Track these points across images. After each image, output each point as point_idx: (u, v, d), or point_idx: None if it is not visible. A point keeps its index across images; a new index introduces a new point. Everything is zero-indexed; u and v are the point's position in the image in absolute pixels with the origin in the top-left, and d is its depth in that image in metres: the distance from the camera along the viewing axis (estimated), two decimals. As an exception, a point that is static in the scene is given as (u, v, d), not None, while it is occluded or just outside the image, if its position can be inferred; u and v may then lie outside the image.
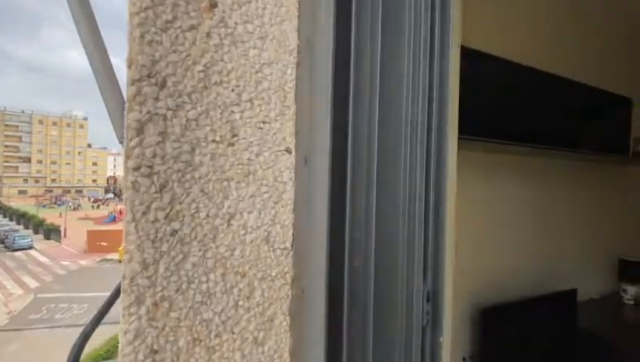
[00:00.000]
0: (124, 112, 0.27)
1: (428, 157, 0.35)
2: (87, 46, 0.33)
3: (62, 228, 24.66)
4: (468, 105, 1.27)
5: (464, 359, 1.67)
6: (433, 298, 0.36)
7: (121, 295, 0.28)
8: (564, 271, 2.05)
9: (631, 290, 2.12)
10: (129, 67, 0.27)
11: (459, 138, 1.23)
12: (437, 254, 0.36)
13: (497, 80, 1.35)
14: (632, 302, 2.11)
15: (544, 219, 1.94)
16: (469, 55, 1.26)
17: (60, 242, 23.57)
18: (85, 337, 0.52)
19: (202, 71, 0.29)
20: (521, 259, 1.84)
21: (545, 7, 1.84)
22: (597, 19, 2.13)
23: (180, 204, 0.29)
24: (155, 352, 0.28)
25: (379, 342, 0.33)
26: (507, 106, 1.39)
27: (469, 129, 1.27)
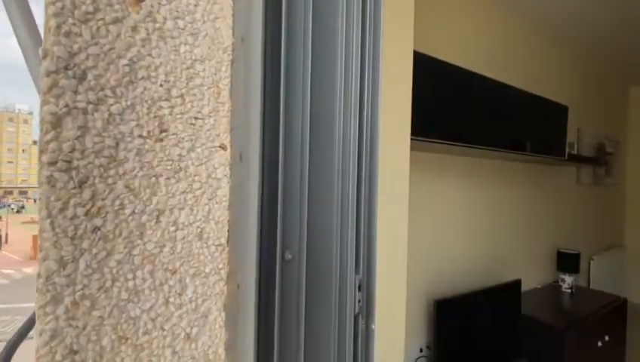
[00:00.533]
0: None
1: (360, 154, 0.37)
2: None
3: (2, 233, 22.38)
4: (420, 107, 1.33)
5: (421, 349, 1.76)
6: (366, 288, 0.38)
7: (37, 294, 0.26)
8: (510, 263, 2.22)
9: (568, 279, 2.35)
10: (44, 58, 0.26)
11: (412, 139, 1.28)
12: (369, 247, 0.38)
13: (448, 85, 1.43)
14: (569, 290, 2.34)
15: (492, 215, 2.09)
16: (421, 60, 1.33)
17: (-1, 248, 21.39)
18: (13, 347, 0.49)
19: (128, 65, 0.29)
20: (471, 254, 1.97)
21: (495, 21, 1.99)
22: (541, 35, 2.33)
23: (103, 200, 0.28)
24: (75, 352, 0.27)
25: (312, 330, 0.34)
26: (457, 110, 1.48)
27: (422, 131, 1.34)
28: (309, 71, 0.33)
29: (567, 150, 2.28)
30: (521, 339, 1.87)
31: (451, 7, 1.79)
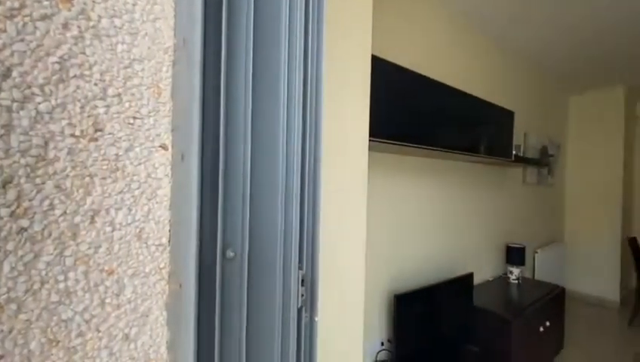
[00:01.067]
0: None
1: (304, 152, 0.39)
2: None
3: None
4: (380, 110, 1.39)
5: (382, 343, 1.82)
6: (310, 282, 0.40)
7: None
8: (465, 258, 2.37)
9: (515, 271, 2.54)
10: (-38, 53, 0.25)
11: (370, 140, 1.33)
12: (313, 243, 0.40)
13: (406, 90, 1.51)
14: (516, 282, 2.53)
15: (448, 213, 2.22)
16: (382, 65, 1.38)
17: None
18: None
19: (58, 63, 0.28)
20: (430, 250, 2.08)
21: (451, 33, 2.11)
22: (493, 48, 2.50)
23: (30, 200, 0.27)
24: (0, 357, 0.27)
25: (256, 325, 0.36)
26: (415, 114, 1.56)
27: (381, 132, 1.39)
28: (251, 72, 0.34)
29: (513, 152, 2.47)
30: (472, 328, 2.00)
31: (411, 19, 1.87)
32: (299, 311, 0.38)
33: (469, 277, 2.00)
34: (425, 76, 1.58)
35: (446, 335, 1.85)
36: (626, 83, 3.48)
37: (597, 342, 2.76)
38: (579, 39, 2.51)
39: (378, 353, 1.78)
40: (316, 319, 0.40)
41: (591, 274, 3.76)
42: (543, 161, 3.19)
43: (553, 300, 2.34)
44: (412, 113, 1.53)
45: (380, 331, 1.81)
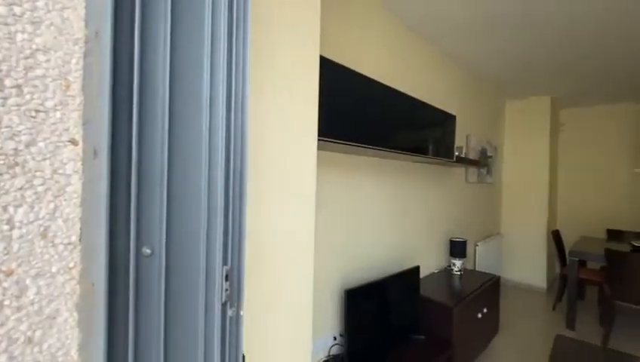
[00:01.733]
0: None
1: (229, 150, 0.40)
2: None
3: None
4: (331, 111, 1.43)
5: (335, 338, 1.87)
6: (236, 277, 0.41)
7: None
8: (413, 252, 2.51)
9: (458, 263, 2.75)
10: None
11: (325, 140, 1.36)
12: (239, 239, 0.41)
13: (358, 92, 1.56)
14: (458, 273, 2.74)
15: (396, 211, 2.33)
16: (331, 67, 1.43)
17: None
18: None
19: (-59, 49, 0.26)
20: (381, 245, 2.18)
21: (401, 39, 2.22)
22: (437, 56, 2.68)
23: None
24: None
25: (176, 322, 0.36)
26: (365, 116, 1.63)
27: (332, 133, 1.43)
28: (169, 67, 0.34)
29: (456, 153, 2.67)
30: (419, 318, 2.13)
31: (364, 26, 1.94)
32: (223, 305, 0.39)
33: (416, 270, 2.13)
34: (373, 79, 1.65)
35: (395, 326, 1.95)
36: (552, 93, 3.92)
37: (526, 325, 3.09)
38: (514, 53, 2.79)
39: (331, 347, 1.82)
40: (242, 313, 0.41)
41: (523, 263, 4.19)
42: (482, 162, 3.48)
43: (490, 288, 2.57)
44: (362, 115, 1.59)
45: (333, 326, 1.86)
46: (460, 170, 3.23)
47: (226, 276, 0.39)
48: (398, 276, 1.98)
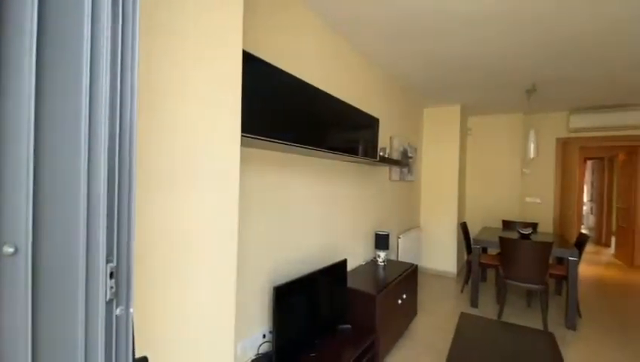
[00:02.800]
0: None
1: (112, 139, 0.38)
2: None
3: None
4: (260, 109, 1.42)
5: (264, 335, 1.87)
6: (125, 274, 0.39)
7: None
8: (341, 246, 2.64)
9: (382, 255, 2.96)
10: None
11: (248, 137, 1.34)
12: (128, 236, 0.39)
13: (287, 92, 1.59)
14: (383, 264, 2.95)
15: (326, 207, 2.43)
16: (258, 64, 1.42)
17: None
18: None
19: None
20: (312, 241, 2.24)
21: (330, 47, 2.31)
22: (365, 63, 2.85)
23: None
24: None
25: (48, 322, 0.33)
26: (294, 116, 1.66)
27: (261, 130, 1.43)
28: (34, 62, 0.31)
29: (380, 153, 2.87)
30: (346, 309, 2.25)
31: (291, 27, 1.97)
32: (108, 304, 0.37)
33: (343, 263, 2.24)
34: (301, 79, 1.69)
35: (323, 318, 2.02)
36: (461, 102, 4.47)
37: (440, 306, 3.48)
38: (431, 68, 3.11)
39: (260, 346, 1.82)
40: (131, 310, 0.39)
41: (437, 252, 4.71)
42: (404, 162, 3.81)
43: (409, 276, 2.83)
44: (288, 113, 1.62)
45: (263, 324, 1.85)
46: (384, 169, 3.49)
47: (111, 273, 0.37)
48: (327, 270, 2.06)
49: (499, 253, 3.24)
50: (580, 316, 3.29)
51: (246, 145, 1.61)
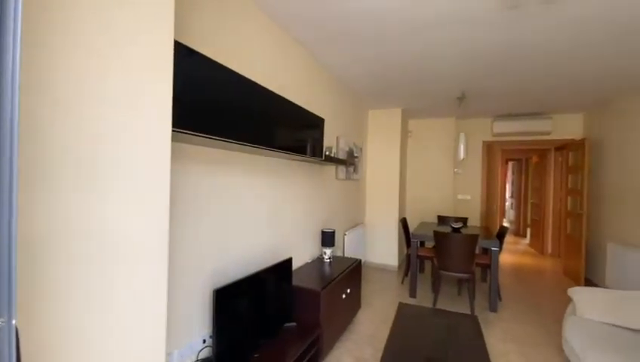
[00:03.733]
0: None
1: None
2: None
3: None
4: (204, 107, 1.36)
5: (204, 341, 1.79)
6: (7, 284, 0.35)
7: None
8: (288, 245, 2.64)
9: (328, 252, 3.03)
10: None
11: (183, 132, 1.28)
12: (9, 239, 0.35)
13: (227, 88, 1.53)
14: (329, 260, 3.02)
15: (273, 205, 2.41)
16: (199, 60, 1.35)
17: None
18: None
19: None
20: (259, 240, 2.20)
21: (282, 47, 2.28)
22: (314, 66, 2.87)
23: None
24: None
25: None
26: (241, 114, 1.62)
27: (199, 126, 1.36)
28: None
29: (326, 153, 2.93)
30: (292, 307, 2.26)
31: (244, 29, 1.91)
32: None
33: (288, 261, 2.24)
34: (244, 76, 1.65)
35: (268, 318, 2.00)
36: (402, 106, 4.75)
37: (382, 298, 3.67)
38: (375, 73, 3.25)
39: (200, 351, 1.74)
40: (14, 322, 0.35)
41: (381, 247, 4.96)
42: (349, 161, 3.93)
43: (353, 271, 2.94)
44: (231, 110, 1.57)
45: (203, 328, 1.78)
46: (331, 168, 3.57)
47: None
48: (272, 269, 2.05)
49: (434, 246, 3.51)
50: (500, 299, 3.72)
51: (184, 141, 1.53)
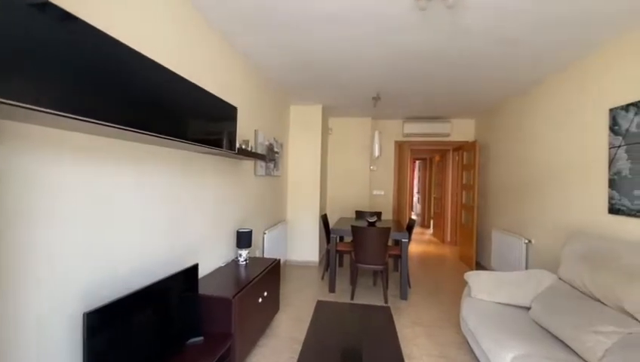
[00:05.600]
0: None
1: None
2: None
3: None
4: (81, 82, 1.01)
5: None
6: None
7: None
8: (194, 250, 2.34)
9: (244, 254, 2.81)
10: None
11: (57, 114, 0.92)
12: None
13: (106, 57, 1.20)
14: (244, 263, 2.80)
15: (179, 206, 2.08)
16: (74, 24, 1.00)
17: None
18: None
19: None
20: (153, 248, 1.85)
21: (187, 26, 1.95)
22: (227, 49, 2.59)
23: None
24: None
25: None
26: (152, 103, 1.29)
27: (79, 108, 1.02)
28: None
29: (242, 146, 2.69)
30: (198, 319, 1.99)
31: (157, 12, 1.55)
32: None
33: (193, 269, 1.97)
34: (127, 45, 1.32)
35: (167, 337, 1.71)
36: (322, 103, 4.76)
37: (302, 297, 3.60)
38: (297, 67, 3.12)
39: (69, 392, 1.37)
40: None
41: (302, 244, 4.91)
42: (269, 156, 3.75)
43: (271, 272, 2.78)
44: (111, 87, 1.24)
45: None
46: (249, 164, 3.34)
47: None
48: (171, 279, 1.76)
49: (352, 241, 3.59)
50: (410, 286, 4.01)
51: (31, 121, 1.16)
